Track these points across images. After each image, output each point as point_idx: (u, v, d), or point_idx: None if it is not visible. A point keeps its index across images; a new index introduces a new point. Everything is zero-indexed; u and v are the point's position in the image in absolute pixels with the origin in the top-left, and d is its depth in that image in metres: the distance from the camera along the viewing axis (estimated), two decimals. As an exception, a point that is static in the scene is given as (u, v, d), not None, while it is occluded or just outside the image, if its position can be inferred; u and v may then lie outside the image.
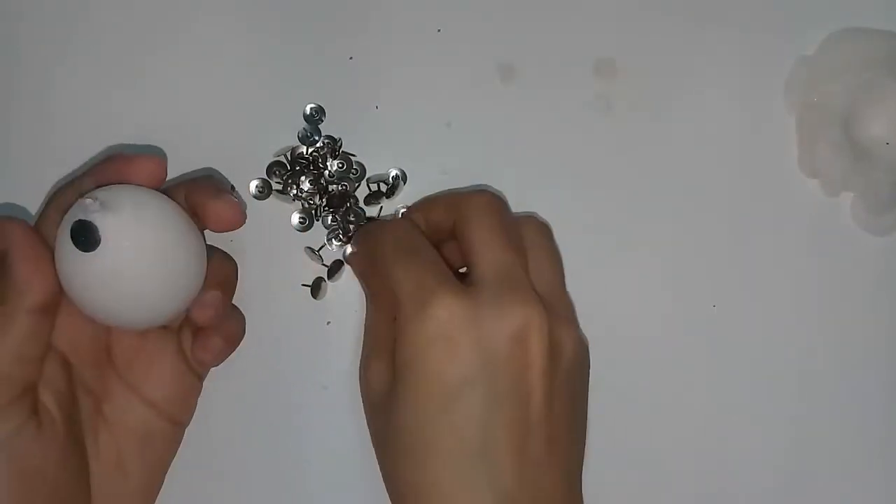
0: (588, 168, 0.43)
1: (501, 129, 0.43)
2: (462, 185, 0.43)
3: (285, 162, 0.42)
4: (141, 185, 0.36)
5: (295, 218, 0.42)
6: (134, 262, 0.34)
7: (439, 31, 0.43)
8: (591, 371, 0.39)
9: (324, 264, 0.42)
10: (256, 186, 0.42)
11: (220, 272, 0.38)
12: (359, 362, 0.40)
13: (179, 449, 0.40)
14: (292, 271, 0.42)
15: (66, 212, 0.35)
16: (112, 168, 0.36)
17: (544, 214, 0.42)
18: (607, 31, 0.43)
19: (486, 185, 0.43)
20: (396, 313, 0.36)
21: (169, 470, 0.39)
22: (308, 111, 0.42)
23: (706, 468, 0.42)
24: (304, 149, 0.42)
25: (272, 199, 0.42)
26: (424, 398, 0.34)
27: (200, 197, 0.37)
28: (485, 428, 0.34)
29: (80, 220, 0.33)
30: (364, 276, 0.41)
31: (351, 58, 0.43)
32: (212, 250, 0.38)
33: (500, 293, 0.35)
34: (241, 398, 0.41)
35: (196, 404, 0.40)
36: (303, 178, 0.42)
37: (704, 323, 0.42)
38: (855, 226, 0.43)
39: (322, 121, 0.43)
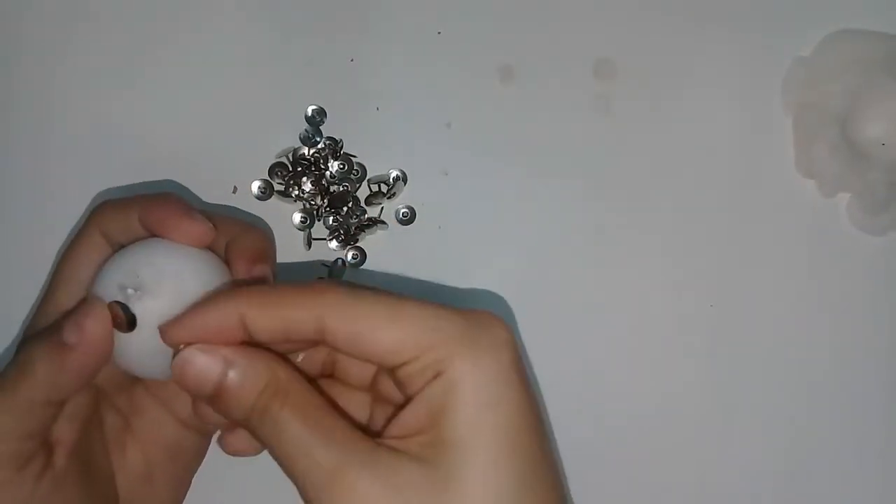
0: (587, 168, 0.43)
1: (501, 130, 0.43)
2: (462, 186, 0.43)
3: (287, 163, 0.42)
4: (182, 246, 0.34)
5: (296, 218, 0.42)
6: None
7: (439, 32, 0.43)
8: (590, 371, 0.39)
9: (326, 265, 0.42)
10: (259, 187, 0.42)
11: None
12: None
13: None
14: (293, 271, 0.42)
15: (108, 238, 0.34)
16: (164, 218, 0.34)
17: (544, 214, 0.43)
18: (606, 32, 0.44)
19: (486, 184, 0.43)
20: None
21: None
22: (309, 112, 0.43)
23: (705, 467, 0.42)
24: (305, 150, 0.42)
25: (274, 199, 0.42)
26: None
27: (168, 217, 0.34)
28: None
29: (119, 304, 0.32)
30: None
31: (352, 59, 0.43)
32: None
33: None
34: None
35: None
36: (304, 178, 0.42)
37: (701, 322, 0.43)
38: (851, 226, 0.43)
39: (323, 122, 0.43)
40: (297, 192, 0.42)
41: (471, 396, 0.29)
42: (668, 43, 0.44)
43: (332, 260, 0.42)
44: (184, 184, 0.42)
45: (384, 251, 0.43)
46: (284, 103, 0.43)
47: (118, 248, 0.34)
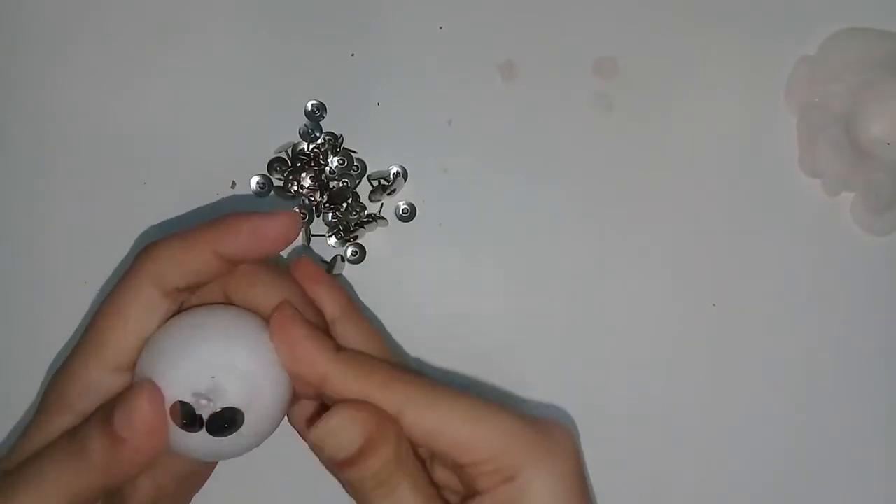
0: (588, 167, 0.43)
1: (502, 127, 0.43)
2: (463, 184, 0.43)
3: (286, 158, 0.42)
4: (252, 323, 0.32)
5: (296, 214, 0.42)
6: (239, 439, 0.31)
7: (441, 28, 0.43)
8: (590, 369, 0.39)
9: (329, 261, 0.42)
10: (258, 182, 0.42)
11: None
12: None
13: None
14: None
15: (161, 287, 0.32)
16: (248, 284, 0.33)
17: (544, 213, 0.43)
18: (608, 30, 0.44)
19: (486, 181, 0.43)
20: None
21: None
22: (309, 107, 0.42)
23: (705, 467, 0.42)
24: (305, 145, 0.42)
25: (273, 195, 0.42)
26: None
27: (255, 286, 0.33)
28: None
29: (188, 406, 0.30)
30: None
31: (352, 54, 0.43)
32: None
33: None
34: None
35: None
36: (304, 174, 0.42)
37: (704, 322, 0.42)
38: (855, 225, 0.43)
39: (323, 117, 0.43)
40: (296, 188, 0.42)
41: (540, 502, 0.30)
42: (670, 41, 0.44)
43: (332, 257, 0.42)
44: (183, 177, 0.42)
45: (384, 248, 0.42)
46: (284, 98, 0.42)
47: (175, 300, 0.32)
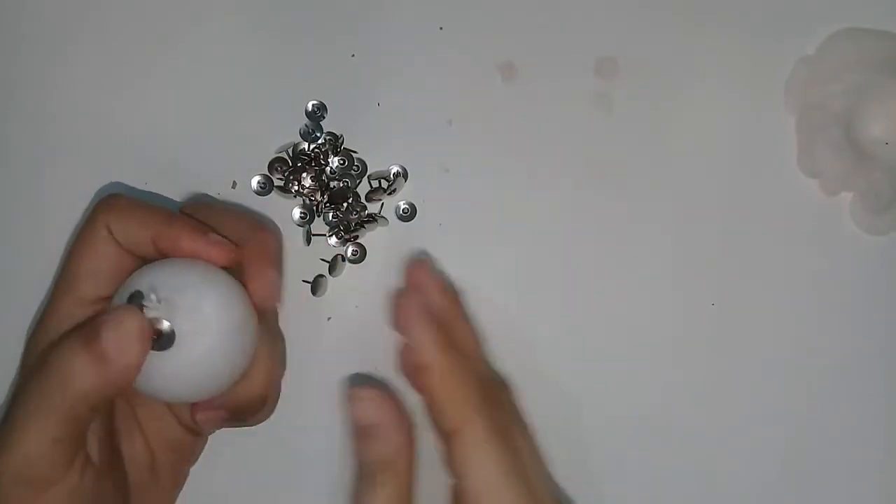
0: (588, 166, 0.43)
1: (503, 128, 0.43)
2: (463, 183, 0.43)
3: (287, 158, 0.42)
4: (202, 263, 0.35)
5: (296, 214, 0.42)
6: (200, 359, 0.34)
7: (441, 28, 0.43)
8: (590, 369, 0.40)
9: (323, 261, 0.42)
10: (258, 182, 0.42)
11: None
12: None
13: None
14: (293, 267, 0.42)
15: (123, 244, 0.36)
16: (181, 242, 0.35)
17: (544, 212, 0.43)
18: (609, 30, 0.44)
19: (487, 181, 0.43)
20: None
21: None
22: (310, 108, 0.43)
23: (705, 467, 0.42)
24: (305, 145, 0.42)
25: (273, 195, 0.42)
26: None
27: (188, 239, 0.36)
28: None
29: (151, 320, 0.33)
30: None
31: (353, 55, 0.43)
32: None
33: None
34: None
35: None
36: (304, 174, 0.42)
37: (703, 321, 0.43)
38: (854, 225, 0.43)
39: (324, 117, 0.43)
40: (296, 188, 0.42)
41: None
42: (671, 41, 0.44)
43: (332, 256, 0.42)
44: (184, 178, 0.42)
45: (384, 247, 0.42)
46: (285, 98, 0.43)
47: (129, 255, 0.36)
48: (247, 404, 0.37)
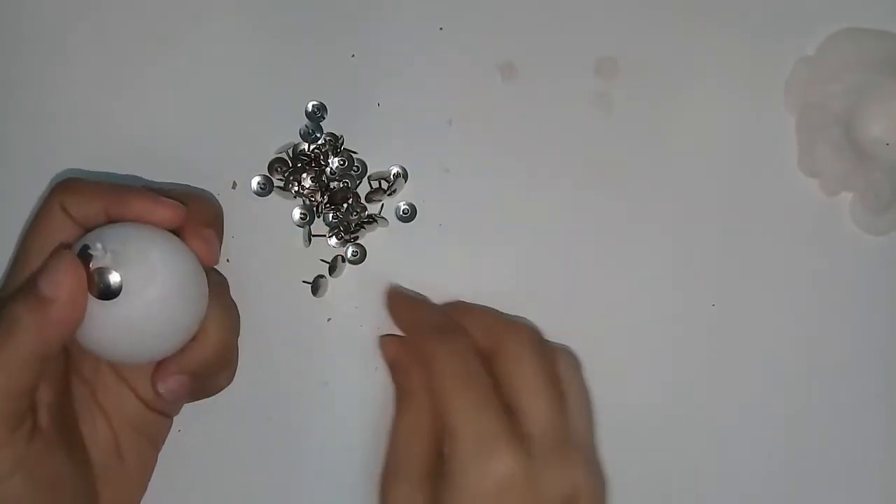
0: (588, 166, 0.43)
1: (503, 128, 0.43)
2: (463, 183, 0.43)
3: (287, 159, 0.42)
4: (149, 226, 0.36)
5: (296, 214, 0.42)
6: (149, 309, 0.34)
7: (441, 28, 0.43)
8: (590, 369, 0.40)
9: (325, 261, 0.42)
10: (258, 183, 0.42)
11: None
12: (381, 473, 0.39)
13: (179, 446, 0.40)
14: (293, 268, 0.42)
15: (70, 216, 0.35)
16: (132, 202, 0.36)
17: (545, 212, 0.43)
18: (609, 30, 0.44)
19: (487, 181, 0.43)
20: (447, 446, 0.36)
21: (168, 467, 0.39)
22: (310, 108, 0.42)
23: (705, 467, 0.42)
24: (305, 146, 0.42)
25: (273, 195, 0.42)
26: None
27: (137, 201, 0.36)
28: None
29: (99, 269, 0.33)
30: (400, 372, 0.41)
31: (353, 55, 0.43)
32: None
33: (552, 454, 0.36)
34: (241, 394, 0.41)
35: (185, 400, 0.39)
36: (304, 174, 0.42)
37: (703, 322, 0.43)
38: (854, 226, 0.43)
39: (324, 118, 0.43)
40: (296, 188, 0.42)
41: None
42: (671, 41, 0.44)
43: (332, 257, 0.42)
44: (183, 178, 0.42)
45: (384, 248, 0.42)
46: (284, 99, 0.42)
47: (82, 230, 0.36)
48: (203, 366, 0.37)
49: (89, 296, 0.33)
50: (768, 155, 0.43)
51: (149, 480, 0.39)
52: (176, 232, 0.36)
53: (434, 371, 0.37)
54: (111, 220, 0.36)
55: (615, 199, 0.43)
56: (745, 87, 0.43)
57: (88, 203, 0.36)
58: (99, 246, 0.33)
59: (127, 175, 0.42)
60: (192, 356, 0.36)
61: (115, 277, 0.33)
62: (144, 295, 0.34)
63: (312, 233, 0.42)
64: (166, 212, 0.36)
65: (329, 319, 0.42)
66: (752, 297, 0.43)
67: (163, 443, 0.40)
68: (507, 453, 0.35)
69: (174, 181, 0.42)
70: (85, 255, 0.33)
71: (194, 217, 0.37)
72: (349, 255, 0.42)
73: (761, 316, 0.43)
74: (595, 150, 0.43)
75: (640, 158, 0.43)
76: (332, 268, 0.42)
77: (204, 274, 0.36)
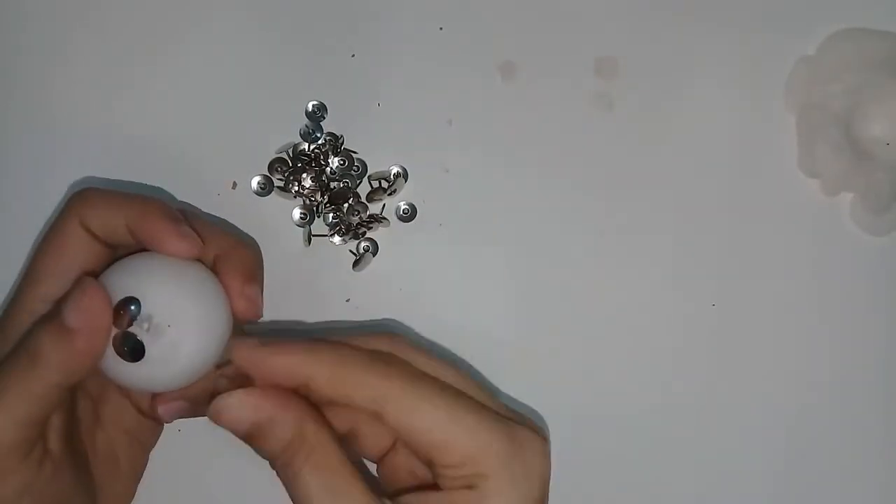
0: (588, 166, 0.43)
1: (503, 127, 0.43)
2: (463, 184, 0.43)
3: (287, 158, 0.42)
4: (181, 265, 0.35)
5: (296, 214, 0.42)
6: (174, 367, 0.33)
7: (441, 28, 0.43)
8: (590, 369, 0.40)
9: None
10: (258, 183, 0.42)
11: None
12: None
13: (179, 446, 0.40)
14: (293, 268, 0.42)
15: (88, 230, 0.35)
16: (155, 232, 0.34)
17: (544, 213, 0.43)
18: (609, 30, 0.44)
19: (487, 181, 0.43)
20: None
21: (168, 467, 0.40)
22: (310, 108, 0.42)
23: (704, 467, 0.42)
24: (305, 145, 0.42)
25: (274, 195, 0.42)
26: None
27: (160, 232, 0.35)
28: None
29: (127, 335, 0.32)
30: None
31: (353, 55, 0.43)
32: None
33: None
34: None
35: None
36: (304, 174, 0.42)
37: (703, 322, 0.43)
38: (854, 226, 0.43)
39: (324, 118, 0.43)
40: (296, 188, 0.42)
41: None
42: (671, 41, 0.44)
43: (359, 249, 0.42)
44: (184, 178, 0.42)
45: (384, 248, 0.42)
46: (285, 98, 0.42)
47: (103, 245, 0.35)
48: (205, 396, 0.35)
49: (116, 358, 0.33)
50: (768, 155, 0.43)
51: (139, 482, 0.39)
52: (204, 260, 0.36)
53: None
54: (133, 235, 0.35)
55: (615, 199, 0.43)
56: (745, 87, 0.44)
57: (110, 217, 0.35)
58: (145, 326, 0.32)
59: (126, 177, 0.42)
60: (197, 387, 0.35)
61: (144, 346, 0.32)
62: (170, 362, 0.33)
63: (312, 233, 0.42)
64: (182, 245, 0.34)
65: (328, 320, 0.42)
66: (752, 297, 0.43)
67: (155, 442, 0.39)
68: None
69: (174, 181, 0.42)
70: (124, 310, 0.32)
71: (237, 269, 0.36)
72: (361, 250, 0.42)
73: (761, 316, 0.43)
74: (595, 150, 0.43)
75: (640, 158, 0.43)
76: (358, 261, 0.42)
77: (232, 320, 0.35)
